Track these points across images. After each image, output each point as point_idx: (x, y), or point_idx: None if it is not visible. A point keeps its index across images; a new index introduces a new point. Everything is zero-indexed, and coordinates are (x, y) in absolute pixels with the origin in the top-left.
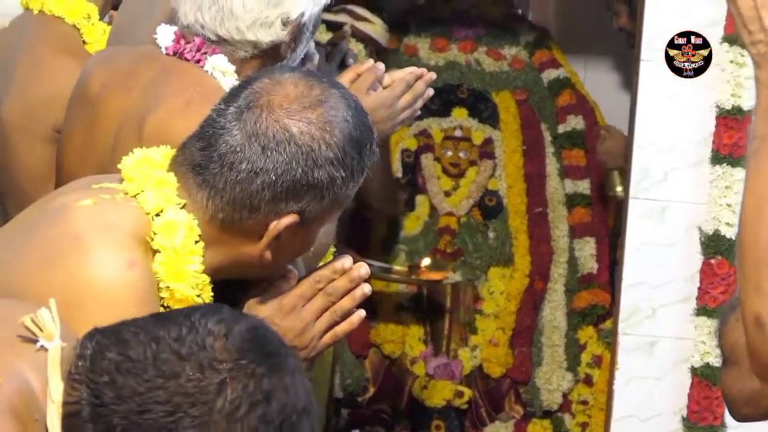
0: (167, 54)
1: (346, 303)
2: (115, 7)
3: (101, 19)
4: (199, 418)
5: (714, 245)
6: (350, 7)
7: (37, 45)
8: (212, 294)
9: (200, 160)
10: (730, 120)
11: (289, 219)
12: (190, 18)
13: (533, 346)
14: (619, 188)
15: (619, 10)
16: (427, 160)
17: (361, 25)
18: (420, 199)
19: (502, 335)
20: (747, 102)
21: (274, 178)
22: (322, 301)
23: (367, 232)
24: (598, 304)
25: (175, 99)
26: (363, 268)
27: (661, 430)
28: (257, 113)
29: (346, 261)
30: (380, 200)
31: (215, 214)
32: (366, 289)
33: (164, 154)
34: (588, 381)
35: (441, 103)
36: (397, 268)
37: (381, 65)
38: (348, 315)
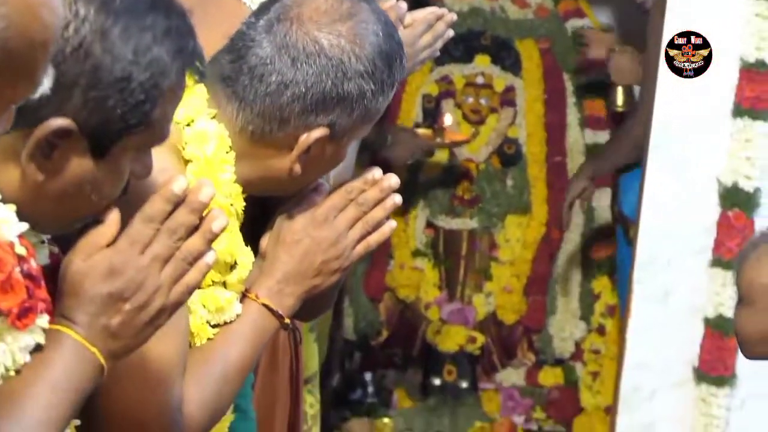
0: None
1: (377, 213)
2: None
3: None
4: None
5: (732, 197)
6: None
7: None
8: (244, 206)
9: (230, 72)
10: (753, 73)
11: (319, 132)
12: None
13: (547, 294)
14: (620, 104)
15: None
16: (448, 105)
17: None
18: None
19: (517, 283)
20: None
21: (303, 90)
22: (355, 211)
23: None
24: (613, 254)
25: (212, 32)
26: (393, 178)
27: (672, 380)
28: (287, 26)
29: (377, 172)
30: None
31: (245, 127)
32: (397, 199)
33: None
34: (601, 330)
35: (463, 49)
36: (420, 131)
37: (403, 3)
38: (379, 225)
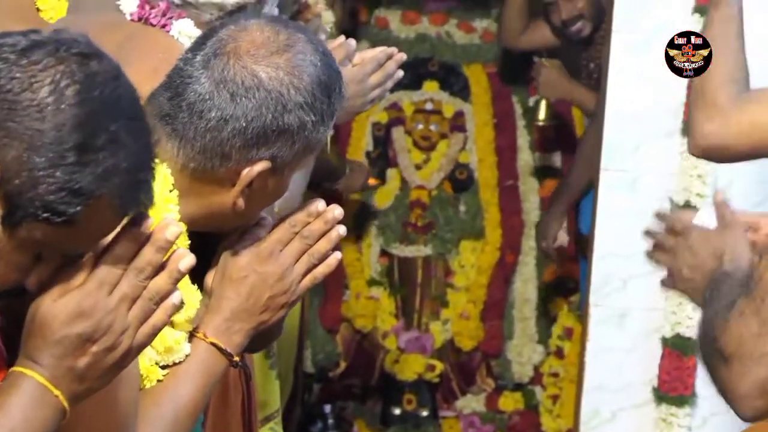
0: (132, 20)
1: (322, 245)
2: None
3: None
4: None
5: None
6: None
7: None
8: (189, 243)
9: (169, 110)
10: None
11: (261, 166)
12: None
13: (504, 319)
14: (542, 118)
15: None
16: (398, 133)
17: None
18: (391, 172)
19: (473, 308)
20: None
21: (244, 124)
22: (300, 244)
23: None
24: (569, 276)
25: (141, 65)
26: (337, 210)
27: (632, 401)
28: (224, 60)
29: (320, 203)
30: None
31: (187, 164)
32: (342, 230)
33: None
34: (559, 353)
35: (412, 76)
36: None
37: (352, 41)
38: (326, 257)
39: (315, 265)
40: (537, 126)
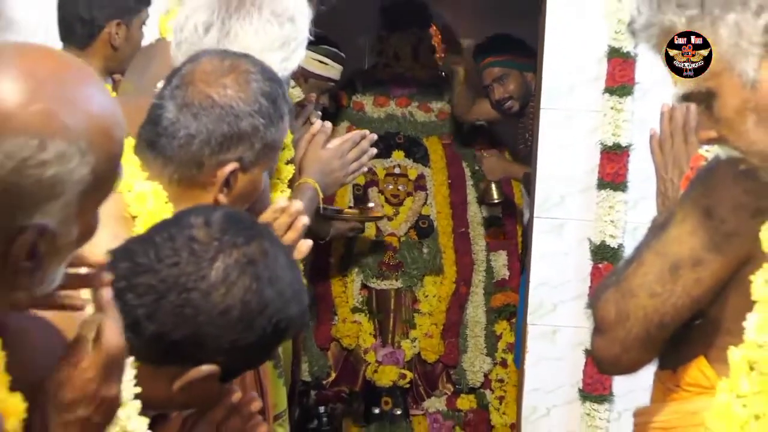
0: None
1: (291, 235)
2: (114, 72)
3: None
4: (202, 290)
5: (601, 253)
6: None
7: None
8: None
9: (152, 137)
10: (612, 154)
11: (230, 166)
12: None
13: (460, 337)
14: (496, 197)
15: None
16: (372, 192)
17: (316, 69)
18: (368, 223)
19: (435, 329)
20: (624, 140)
21: (207, 136)
22: None
23: (328, 249)
24: (510, 303)
25: (150, 74)
26: (297, 203)
27: (562, 400)
28: (184, 89)
29: (282, 201)
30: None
31: (172, 177)
32: (305, 220)
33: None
34: (503, 363)
35: (383, 147)
36: (347, 210)
37: (328, 124)
38: (295, 244)
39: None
40: (491, 203)
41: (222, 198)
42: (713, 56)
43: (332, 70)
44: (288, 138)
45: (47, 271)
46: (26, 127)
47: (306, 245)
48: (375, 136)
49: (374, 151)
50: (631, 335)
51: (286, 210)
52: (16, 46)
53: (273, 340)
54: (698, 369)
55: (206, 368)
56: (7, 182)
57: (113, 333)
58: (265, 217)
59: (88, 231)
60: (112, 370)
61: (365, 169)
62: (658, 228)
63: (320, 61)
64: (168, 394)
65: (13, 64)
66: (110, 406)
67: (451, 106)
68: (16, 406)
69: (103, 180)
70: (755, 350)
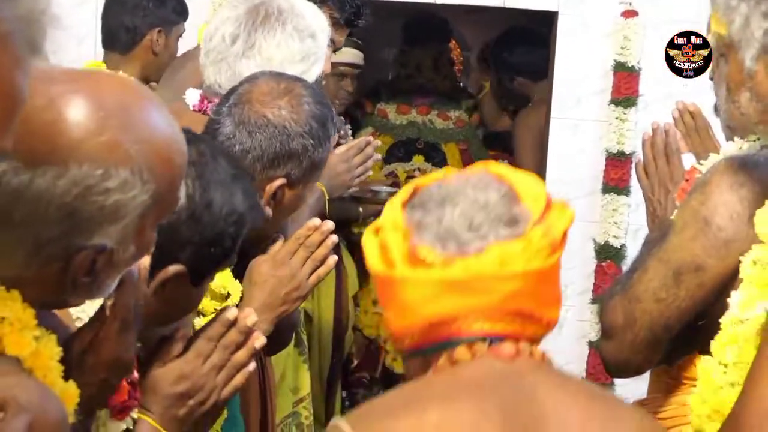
0: (194, 110)
1: (321, 251)
2: (149, 80)
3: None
4: None
5: (605, 252)
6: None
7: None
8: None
9: None
10: (616, 160)
11: (279, 182)
12: (212, 79)
13: None
14: None
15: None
16: None
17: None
18: None
19: None
20: (628, 148)
21: (260, 152)
22: (304, 252)
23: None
24: None
25: (187, 81)
26: (329, 223)
27: None
28: (241, 108)
29: (316, 220)
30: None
31: None
32: (334, 238)
33: None
34: None
35: (404, 151)
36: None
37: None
38: (324, 259)
39: (318, 266)
40: None
41: (268, 210)
42: (727, 30)
43: (344, 55)
44: None
45: (102, 284)
46: (93, 156)
47: (333, 260)
48: (378, 143)
49: (378, 156)
50: (639, 338)
51: (319, 228)
52: (85, 73)
53: (228, 235)
54: (696, 364)
55: (173, 268)
56: (72, 207)
57: (124, 298)
58: (300, 233)
59: (144, 248)
60: (126, 334)
61: (370, 173)
62: (653, 241)
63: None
64: (147, 305)
65: (82, 93)
66: (126, 368)
67: (481, 115)
68: (71, 393)
69: (162, 203)
70: (737, 325)
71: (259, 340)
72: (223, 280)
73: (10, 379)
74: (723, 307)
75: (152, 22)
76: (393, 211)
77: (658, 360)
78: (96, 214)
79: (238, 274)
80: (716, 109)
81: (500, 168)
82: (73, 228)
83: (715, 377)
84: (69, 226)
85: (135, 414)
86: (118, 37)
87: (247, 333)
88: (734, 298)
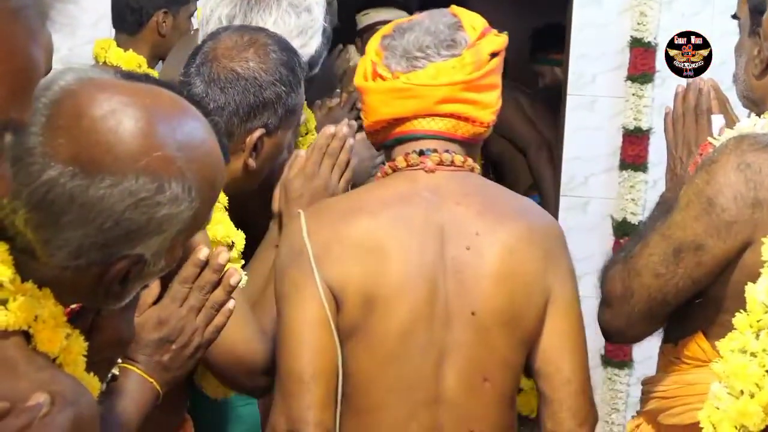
0: None
1: (343, 156)
2: (163, 58)
3: (152, 67)
4: None
5: (623, 229)
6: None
7: None
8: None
9: None
10: (633, 137)
11: (258, 132)
12: None
13: None
14: None
15: (543, 71)
16: None
17: (363, 22)
18: None
19: None
20: (645, 124)
21: (235, 107)
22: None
23: None
24: None
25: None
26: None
27: None
28: (209, 65)
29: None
30: None
31: None
32: (352, 141)
33: None
34: None
35: None
36: None
37: (353, 123)
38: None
39: (344, 171)
40: None
41: (251, 162)
42: (743, 11)
43: (378, 15)
44: (311, 123)
45: (128, 295)
46: (148, 170)
47: (353, 163)
48: None
49: None
50: (635, 311)
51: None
52: (146, 87)
53: None
54: (697, 344)
55: None
56: (123, 216)
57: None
58: (319, 143)
59: (171, 263)
60: (127, 312)
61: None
62: (663, 206)
63: (365, 14)
64: None
65: (143, 107)
66: (127, 345)
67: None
68: (95, 385)
69: (198, 221)
70: (760, 315)
71: (233, 277)
72: (227, 229)
73: (46, 374)
74: (722, 287)
75: (157, 3)
76: (374, 40)
77: (652, 331)
78: (143, 226)
79: (239, 225)
80: (735, 78)
81: (460, 9)
82: (118, 237)
83: (752, 371)
84: (115, 235)
85: (120, 363)
86: (124, 17)
87: (222, 271)
88: (760, 286)
